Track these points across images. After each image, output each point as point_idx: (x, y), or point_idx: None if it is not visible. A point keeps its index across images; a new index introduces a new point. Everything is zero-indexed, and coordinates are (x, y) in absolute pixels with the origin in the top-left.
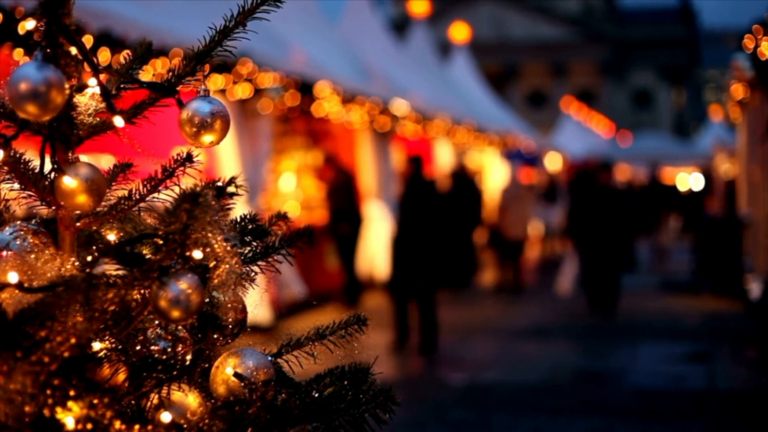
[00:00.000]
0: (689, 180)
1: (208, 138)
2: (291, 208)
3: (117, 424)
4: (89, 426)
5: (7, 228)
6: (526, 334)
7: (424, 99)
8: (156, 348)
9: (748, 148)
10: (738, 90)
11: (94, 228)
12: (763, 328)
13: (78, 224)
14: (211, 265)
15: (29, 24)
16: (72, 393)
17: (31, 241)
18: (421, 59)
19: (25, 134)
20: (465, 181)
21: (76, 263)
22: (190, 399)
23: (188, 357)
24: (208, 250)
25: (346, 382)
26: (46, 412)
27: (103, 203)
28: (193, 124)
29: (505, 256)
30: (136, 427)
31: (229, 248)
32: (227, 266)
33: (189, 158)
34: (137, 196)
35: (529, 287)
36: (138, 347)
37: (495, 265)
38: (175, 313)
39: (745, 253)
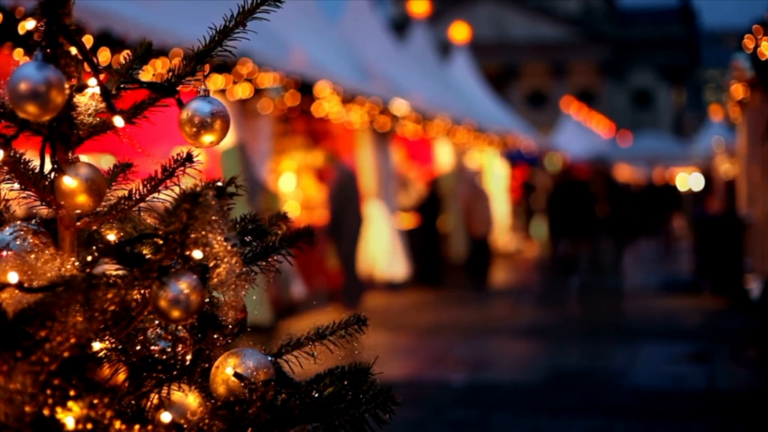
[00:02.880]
0: (689, 180)
1: (208, 138)
2: (291, 208)
3: (117, 424)
4: (89, 426)
5: (7, 228)
6: (526, 334)
7: (424, 99)
8: (156, 348)
9: (748, 148)
10: (738, 90)
11: (94, 228)
12: (763, 328)
13: (78, 224)
14: (211, 264)
15: (29, 24)
16: (72, 393)
17: (31, 241)
18: (421, 59)
19: (25, 134)
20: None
21: (76, 263)
22: (190, 399)
23: (188, 357)
24: (208, 249)
25: (346, 382)
26: (46, 412)
27: (103, 203)
28: (193, 124)
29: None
30: (136, 427)
31: (229, 248)
32: (227, 266)
33: (189, 158)
34: (137, 196)
35: (528, 287)
36: (138, 347)
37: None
38: (175, 313)
39: (745, 253)
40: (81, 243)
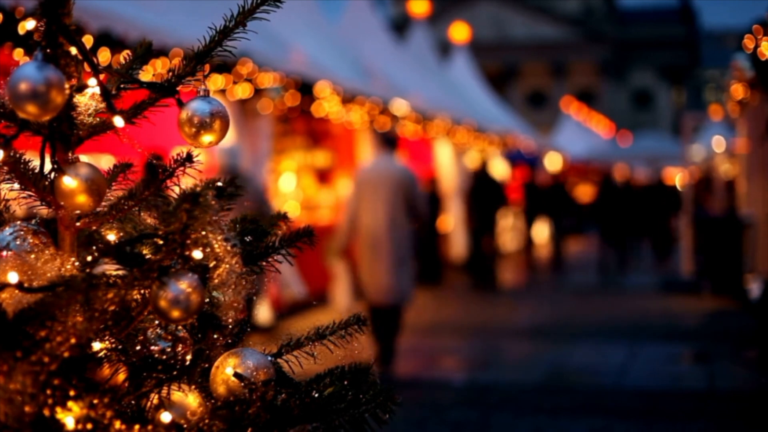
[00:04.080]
0: (686, 179)
1: (207, 138)
2: (291, 208)
3: (117, 424)
4: (89, 426)
5: (7, 228)
6: (526, 334)
7: (424, 99)
8: (156, 348)
9: (748, 148)
10: (738, 90)
11: (94, 228)
12: (763, 328)
13: (78, 224)
14: (211, 265)
15: (29, 24)
16: (72, 393)
17: (31, 241)
18: (421, 59)
19: (25, 134)
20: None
21: (76, 263)
22: (190, 399)
23: (188, 357)
24: (208, 250)
25: (346, 382)
26: (46, 412)
27: (103, 203)
28: (192, 125)
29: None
30: (136, 427)
31: (229, 248)
32: (227, 266)
33: (189, 158)
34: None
35: (529, 287)
36: (138, 347)
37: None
38: (175, 313)
39: (745, 253)
40: (81, 243)
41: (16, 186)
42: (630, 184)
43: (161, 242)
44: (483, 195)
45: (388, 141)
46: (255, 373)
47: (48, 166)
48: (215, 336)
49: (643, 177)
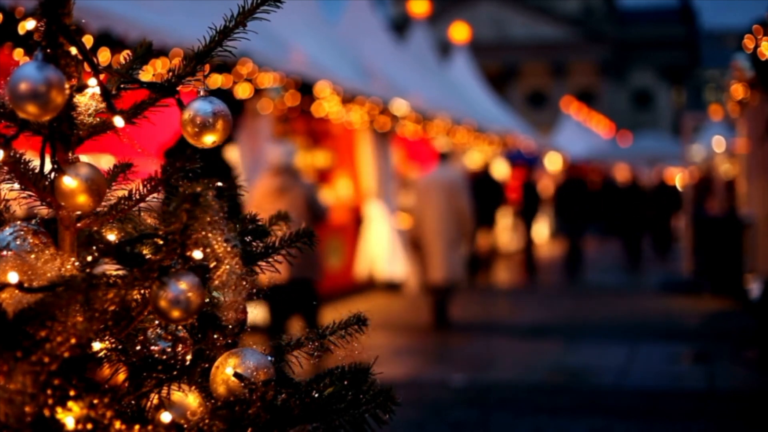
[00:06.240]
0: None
1: (210, 138)
2: None
3: (117, 424)
4: (89, 426)
5: (7, 228)
6: (526, 334)
7: (424, 99)
8: (156, 348)
9: (748, 148)
10: (738, 90)
11: (94, 228)
12: (763, 328)
13: (78, 224)
14: (212, 265)
15: (29, 24)
16: (72, 393)
17: (31, 241)
18: (421, 59)
19: (25, 134)
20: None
21: (76, 263)
22: (190, 399)
23: (188, 357)
24: (208, 250)
25: (346, 382)
26: (46, 412)
27: (103, 203)
28: (195, 125)
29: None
30: (136, 427)
31: (229, 249)
32: (228, 267)
33: (188, 158)
34: (137, 196)
35: (529, 287)
36: (138, 347)
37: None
38: (175, 313)
39: (745, 253)
40: (81, 243)
41: (16, 186)
42: (665, 184)
43: (161, 242)
44: (482, 194)
45: (442, 154)
46: (255, 373)
47: (48, 166)
48: (215, 336)
49: (645, 177)
